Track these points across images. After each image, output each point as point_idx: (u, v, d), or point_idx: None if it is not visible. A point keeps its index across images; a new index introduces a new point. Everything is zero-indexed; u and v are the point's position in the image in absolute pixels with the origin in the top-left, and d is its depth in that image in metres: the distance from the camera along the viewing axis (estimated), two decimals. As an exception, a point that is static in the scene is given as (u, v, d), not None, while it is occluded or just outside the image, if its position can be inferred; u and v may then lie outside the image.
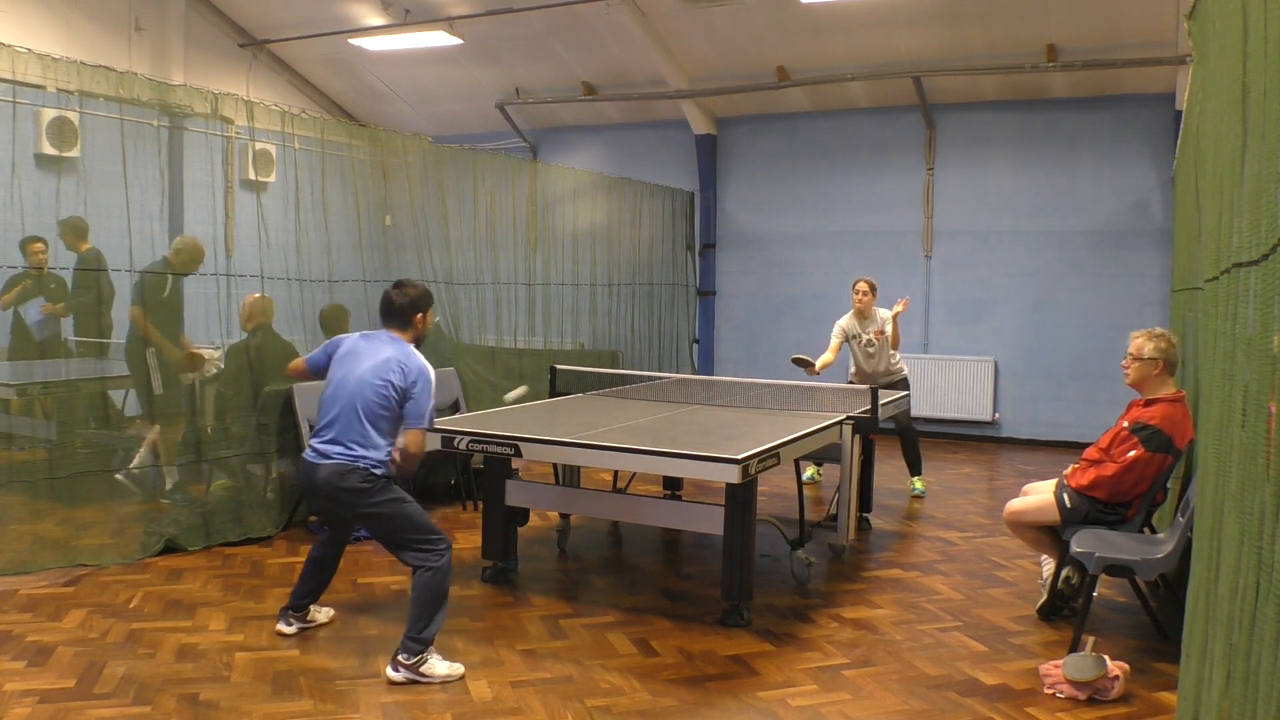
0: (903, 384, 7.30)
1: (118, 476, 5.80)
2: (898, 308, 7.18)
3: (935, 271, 10.21)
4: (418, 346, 4.09)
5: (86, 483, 5.73)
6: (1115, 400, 5.40)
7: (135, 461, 5.96)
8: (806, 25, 9.37)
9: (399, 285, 4.16)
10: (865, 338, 7.30)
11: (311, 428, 6.01)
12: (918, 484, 7.50)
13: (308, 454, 3.98)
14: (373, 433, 3.91)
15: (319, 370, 4.17)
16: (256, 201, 6.25)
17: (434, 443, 4.92)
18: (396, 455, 4.01)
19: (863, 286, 7.27)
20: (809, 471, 7.56)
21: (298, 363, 4.40)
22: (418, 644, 3.79)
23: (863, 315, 7.30)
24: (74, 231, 5.83)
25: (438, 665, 3.80)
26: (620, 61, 10.67)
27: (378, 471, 3.91)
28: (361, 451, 3.89)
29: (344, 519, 4.13)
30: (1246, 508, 1.79)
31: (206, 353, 6.16)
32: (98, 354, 6.28)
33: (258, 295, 6.21)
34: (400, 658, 3.78)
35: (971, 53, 9.30)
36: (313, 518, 6.16)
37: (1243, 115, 2.00)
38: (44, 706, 3.46)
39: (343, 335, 4.18)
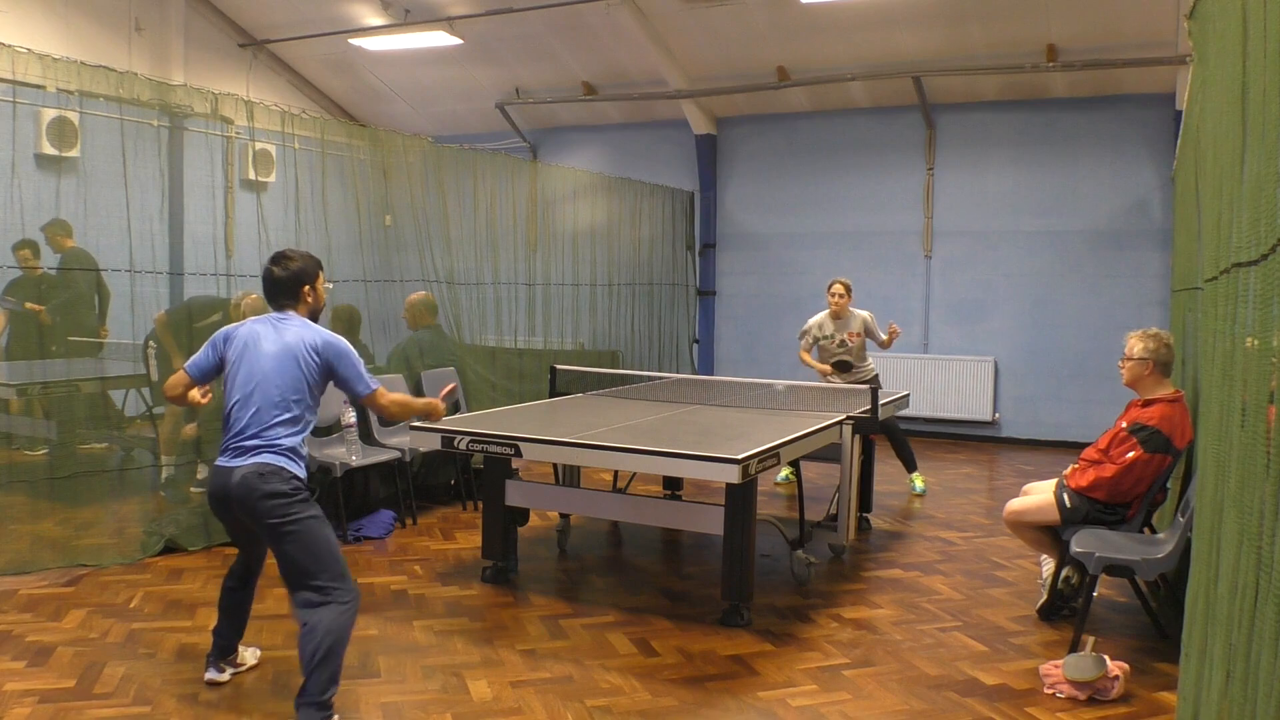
0: (874, 383, 7.25)
1: (164, 493, 5.81)
2: (884, 337, 7.19)
3: (935, 271, 10.21)
4: (314, 321, 3.69)
5: (86, 483, 5.74)
6: (1115, 400, 5.40)
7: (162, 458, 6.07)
8: (806, 25, 9.37)
9: (278, 259, 3.65)
10: (839, 338, 7.29)
11: (314, 429, 6.06)
12: (918, 482, 7.49)
13: (218, 461, 3.48)
14: (291, 430, 3.46)
15: (207, 373, 3.60)
16: (256, 201, 6.25)
17: (434, 443, 4.93)
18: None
19: (838, 289, 7.24)
20: (784, 472, 7.48)
21: (177, 377, 3.63)
22: (323, 711, 3.26)
23: (838, 317, 7.29)
24: (61, 230, 5.82)
25: None
26: (620, 61, 10.67)
27: (301, 476, 3.47)
28: (285, 447, 3.44)
29: (254, 538, 3.65)
30: (1246, 507, 1.79)
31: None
32: (92, 354, 6.28)
33: (252, 296, 6.20)
34: None
35: (971, 53, 9.30)
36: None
37: (1243, 115, 2.00)
38: (44, 706, 3.46)
39: (227, 328, 3.65)
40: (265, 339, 3.51)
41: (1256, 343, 1.77)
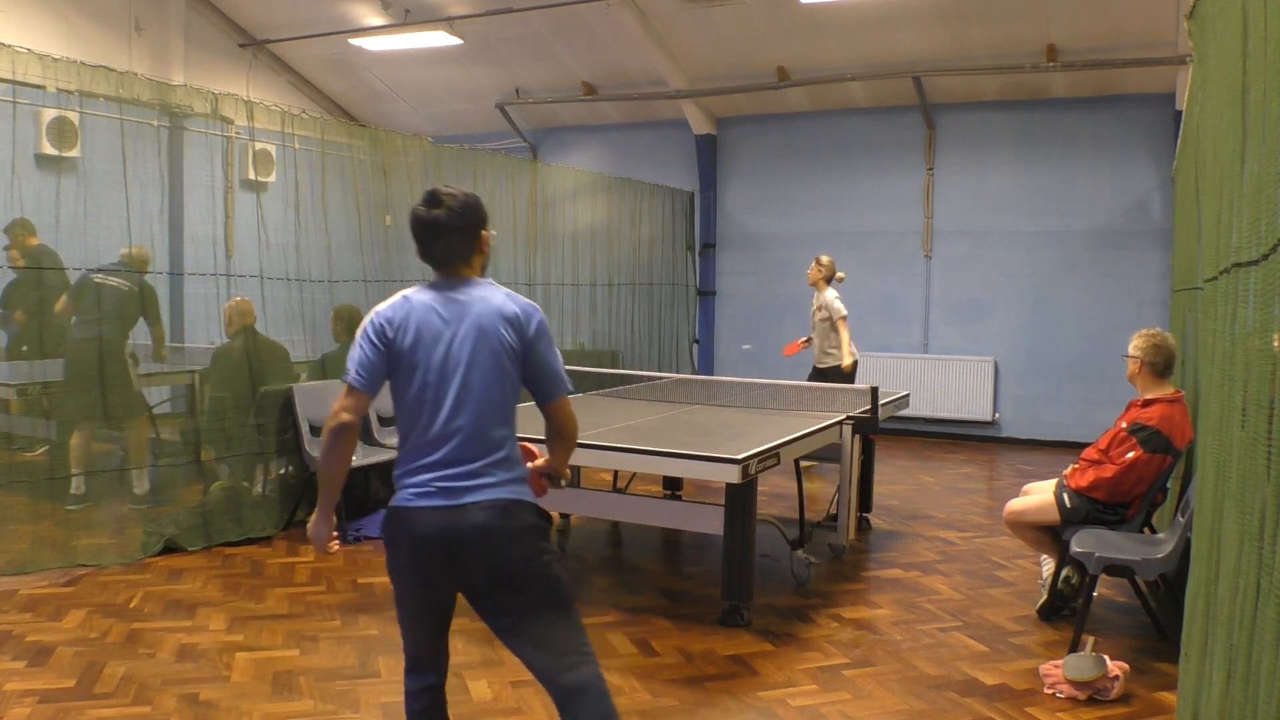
0: (835, 374, 7.55)
1: (69, 508, 5.63)
2: (789, 349, 8.16)
3: (935, 271, 10.21)
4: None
5: (86, 483, 5.74)
6: (1115, 400, 5.40)
7: (143, 487, 5.93)
8: (806, 25, 9.37)
9: (436, 200, 2.59)
10: (812, 308, 8.00)
11: (314, 429, 6.07)
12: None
13: (417, 500, 2.48)
14: (513, 441, 2.64)
15: (381, 378, 2.59)
16: (256, 201, 6.25)
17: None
18: (541, 459, 2.81)
19: (813, 262, 7.92)
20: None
21: (355, 404, 2.54)
22: None
23: (813, 287, 7.96)
24: (24, 229, 5.72)
25: None
26: (620, 61, 10.67)
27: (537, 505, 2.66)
28: (518, 473, 2.62)
29: (443, 600, 2.69)
30: (1246, 507, 1.79)
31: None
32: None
33: (236, 299, 6.19)
34: None
35: (971, 53, 9.30)
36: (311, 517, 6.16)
37: (1243, 115, 2.00)
38: (44, 706, 3.46)
39: (380, 311, 2.62)
40: (455, 319, 2.57)
41: (1260, 342, 1.77)
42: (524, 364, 2.61)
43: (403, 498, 2.51)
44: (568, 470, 2.87)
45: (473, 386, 2.52)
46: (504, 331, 2.56)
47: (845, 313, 7.62)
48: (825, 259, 7.88)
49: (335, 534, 2.67)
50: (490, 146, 9.77)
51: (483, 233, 2.67)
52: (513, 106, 11.72)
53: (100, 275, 5.73)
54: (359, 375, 2.55)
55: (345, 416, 2.52)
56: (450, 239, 2.60)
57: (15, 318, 6.25)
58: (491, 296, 2.60)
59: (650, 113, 11.41)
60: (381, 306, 2.63)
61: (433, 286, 2.63)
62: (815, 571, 5.35)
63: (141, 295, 5.89)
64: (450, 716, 2.83)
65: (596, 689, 2.59)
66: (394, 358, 2.56)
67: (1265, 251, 1.66)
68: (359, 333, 2.62)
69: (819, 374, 7.71)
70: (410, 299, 2.60)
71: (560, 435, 2.74)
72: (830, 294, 7.69)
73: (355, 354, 2.58)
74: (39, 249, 5.79)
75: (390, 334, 2.56)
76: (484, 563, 2.50)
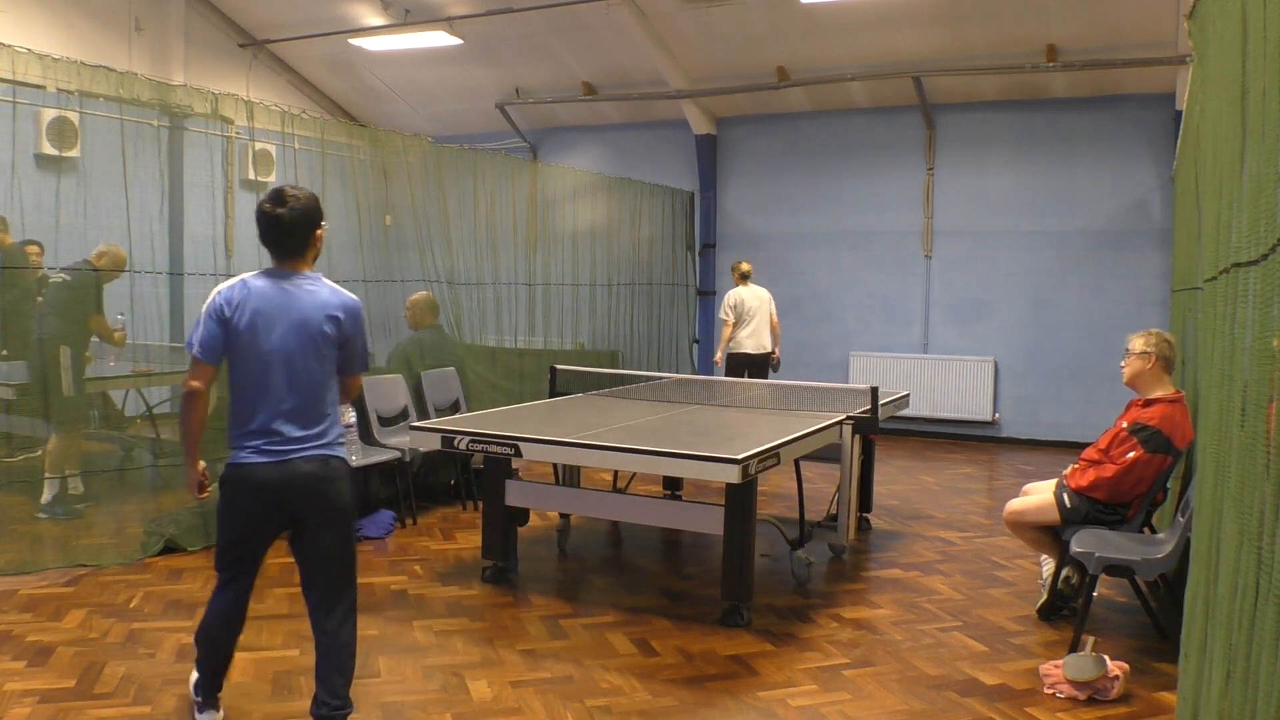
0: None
1: (40, 515, 5.55)
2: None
3: (935, 271, 10.21)
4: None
5: (86, 483, 5.74)
6: (1115, 400, 5.39)
7: (46, 496, 5.67)
8: (806, 25, 9.37)
9: (279, 199, 3.06)
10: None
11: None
12: None
13: (256, 457, 3.06)
14: (334, 412, 3.20)
15: (221, 353, 3.09)
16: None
17: (434, 443, 4.93)
18: (349, 416, 3.54)
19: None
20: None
21: (202, 375, 3.07)
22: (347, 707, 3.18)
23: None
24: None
25: None
26: (620, 61, 10.67)
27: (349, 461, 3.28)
28: (334, 436, 3.18)
29: (261, 546, 3.28)
30: (1246, 507, 1.79)
31: (119, 334, 5.94)
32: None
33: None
34: None
35: (971, 53, 9.30)
36: None
37: (1242, 115, 2.00)
38: (44, 706, 3.46)
39: (222, 292, 3.10)
40: (286, 304, 3.06)
41: (1259, 342, 1.77)
42: (339, 349, 3.14)
43: (242, 456, 3.10)
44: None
45: (297, 368, 3.06)
46: (325, 323, 3.08)
47: (723, 316, 9.03)
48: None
49: (203, 477, 3.21)
50: (490, 146, 9.77)
51: (317, 230, 3.16)
52: (513, 106, 11.72)
53: (55, 273, 5.61)
54: (202, 350, 3.06)
55: (194, 384, 3.08)
56: (290, 235, 3.09)
57: None
58: (318, 290, 3.12)
59: (650, 113, 11.41)
60: (223, 287, 3.13)
61: (268, 275, 3.12)
62: (815, 571, 5.35)
63: (84, 290, 5.68)
64: (450, 716, 2.86)
65: (346, 641, 3.22)
66: (230, 335, 3.06)
67: (1265, 251, 1.66)
68: (203, 310, 3.09)
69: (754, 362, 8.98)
70: (248, 284, 3.09)
71: (346, 394, 3.33)
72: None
73: (199, 331, 3.07)
74: (11, 249, 5.66)
75: (229, 314, 3.05)
76: (309, 501, 3.10)
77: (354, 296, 3.23)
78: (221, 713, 3.38)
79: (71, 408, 5.65)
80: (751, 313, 8.85)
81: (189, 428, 3.14)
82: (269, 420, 3.06)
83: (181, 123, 6.23)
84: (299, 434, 3.08)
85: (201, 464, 3.22)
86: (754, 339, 8.86)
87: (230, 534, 3.22)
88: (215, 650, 3.30)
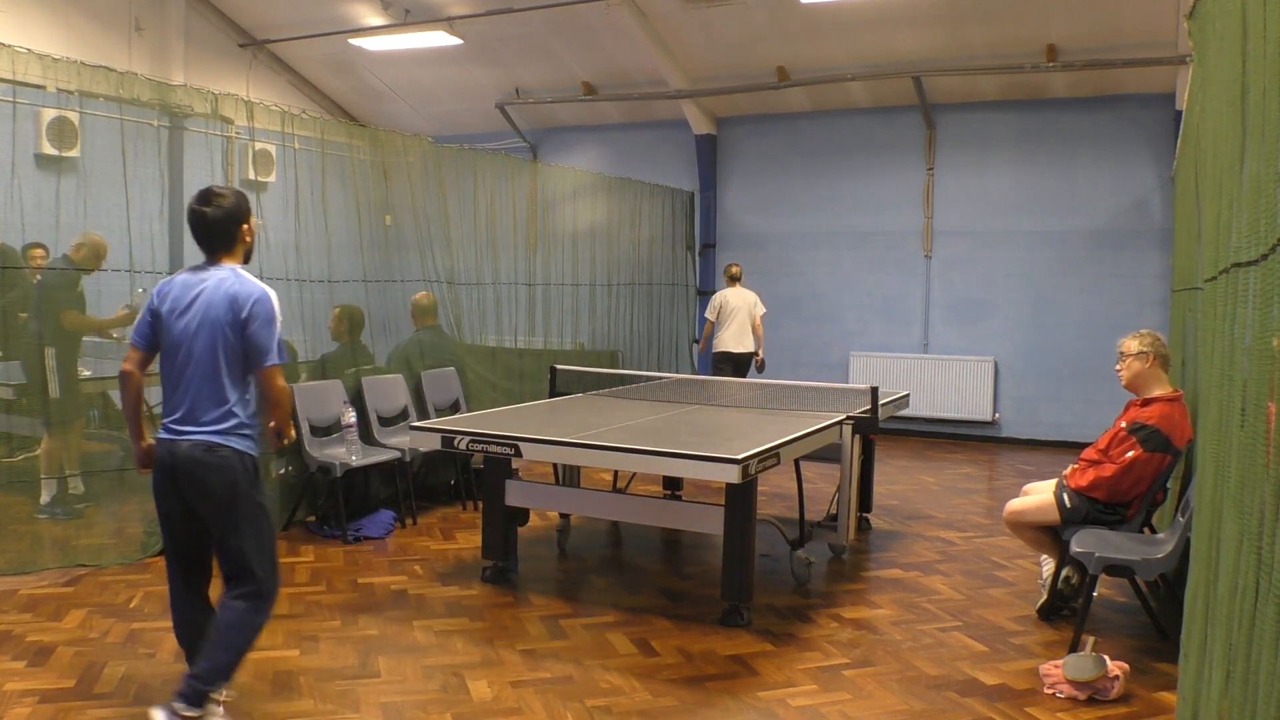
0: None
1: (39, 515, 5.51)
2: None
3: (935, 271, 10.21)
4: (246, 263, 3.41)
5: (86, 483, 5.73)
6: (1115, 400, 5.39)
7: (45, 496, 5.63)
8: (806, 25, 9.37)
9: (206, 198, 3.28)
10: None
11: (314, 428, 6.08)
12: None
13: (163, 434, 3.28)
14: (233, 395, 3.25)
15: (151, 339, 3.33)
16: (256, 201, 6.21)
17: (434, 443, 4.93)
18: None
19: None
20: None
21: (131, 358, 3.33)
22: (219, 679, 3.18)
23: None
24: None
25: None
26: (620, 61, 10.67)
27: (251, 453, 3.28)
28: (231, 424, 3.24)
29: (198, 524, 3.29)
30: (1246, 507, 1.79)
31: (123, 313, 5.78)
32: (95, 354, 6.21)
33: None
34: (179, 706, 3.10)
35: (971, 53, 9.30)
36: (311, 517, 6.16)
37: (1242, 115, 2.00)
38: (44, 706, 3.46)
39: (160, 283, 3.38)
40: (196, 296, 3.24)
41: (1259, 342, 1.77)
42: (241, 338, 3.23)
43: (159, 434, 3.31)
44: (291, 431, 3.49)
45: (196, 354, 3.23)
46: (225, 311, 3.21)
47: (707, 315, 9.43)
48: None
49: (147, 454, 3.33)
50: (490, 146, 9.77)
51: (244, 225, 3.36)
52: (513, 106, 11.72)
53: (29, 273, 5.54)
54: (135, 335, 3.34)
55: (125, 366, 3.33)
56: (213, 231, 3.30)
57: None
58: (225, 281, 3.25)
59: (650, 113, 11.41)
60: (163, 280, 3.42)
61: (193, 268, 3.35)
62: (815, 571, 5.35)
63: (58, 290, 5.59)
64: (450, 716, 2.85)
65: (228, 621, 3.26)
66: (156, 323, 3.30)
67: (1265, 251, 1.66)
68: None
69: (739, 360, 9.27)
70: (175, 277, 3.35)
71: (264, 398, 3.33)
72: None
73: (137, 319, 3.37)
74: (5, 247, 5.56)
75: (156, 303, 3.31)
76: (191, 486, 3.23)
77: (263, 287, 3.29)
78: (226, 693, 3.31)
79: (61, 409, 5.55)
80: (733, 313, 9.21)
81: (124, 406, 3.47)
82: (173, 403, 3.29)
83: (181, 123, 6.22)
84: (191, 418, 3.24)
85: (148, 441, 3.39)
86: (737, 338, 9.20)
87: (157, 509, 3.39)
88: (190, 647, 3.41)
